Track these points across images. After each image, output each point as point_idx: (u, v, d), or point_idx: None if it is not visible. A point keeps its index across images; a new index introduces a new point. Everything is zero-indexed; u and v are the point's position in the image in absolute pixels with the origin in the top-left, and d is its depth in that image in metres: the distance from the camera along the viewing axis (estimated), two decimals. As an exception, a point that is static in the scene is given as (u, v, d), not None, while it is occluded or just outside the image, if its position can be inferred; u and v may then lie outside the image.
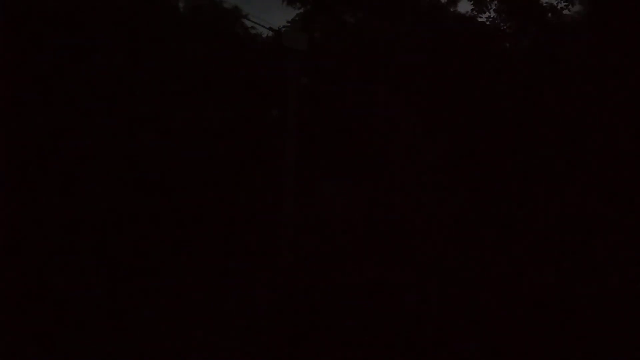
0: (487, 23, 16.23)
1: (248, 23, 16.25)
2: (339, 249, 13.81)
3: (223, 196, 14.42)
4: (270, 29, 15.05)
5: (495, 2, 16.14)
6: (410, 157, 14.62)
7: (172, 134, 14.14)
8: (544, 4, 16.03)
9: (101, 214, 12.94)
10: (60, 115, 12.88)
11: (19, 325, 10.67)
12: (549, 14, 15.89)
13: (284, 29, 15.62)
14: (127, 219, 13.14)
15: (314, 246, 13.87)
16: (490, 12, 16.24)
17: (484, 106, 14.64)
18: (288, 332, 11.54)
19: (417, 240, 13.51)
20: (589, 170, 13.26)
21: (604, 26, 14.37)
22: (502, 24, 16.12)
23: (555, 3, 15.97)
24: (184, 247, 13.51)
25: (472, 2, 16.24)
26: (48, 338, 10.60)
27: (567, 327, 11.14)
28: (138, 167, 13.56)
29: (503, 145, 14.32)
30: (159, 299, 12.15)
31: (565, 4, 15.83)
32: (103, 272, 12.32)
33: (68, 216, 12.57)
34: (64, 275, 11.89)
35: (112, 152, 13.35)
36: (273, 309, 12.22)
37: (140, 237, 13.07)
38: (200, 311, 12.03)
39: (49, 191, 12.44)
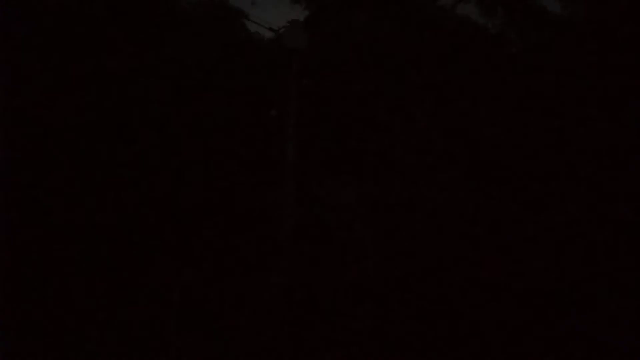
0: (490, 26, 16.23)
1: (248, 24, 16.29)
2: (341, 247, 13.81)
3: (223, 196, 14.42)
4: (270, 29, 15.06)
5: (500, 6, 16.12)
6: (415, 156, 14.63)
7: (171, 133, 14.15)
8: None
9: (100, 213, 12.94)
10: (59, 115, 12.89)
11: (20, 325, 10.68)
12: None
13: (283, 29, 15.62)
14: (127, 219, 13.14)
15: (315, 244, 13.87)
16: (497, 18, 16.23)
17: (486, 107, 14.65)
18: (289, 332, 11.53)
19: (422, 238, 13.51)
20: (590, 171, 13.27)
21: (601, 27, 14.41)
22: (505, 27, 16.11)
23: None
24: (184, 247, 13.51)
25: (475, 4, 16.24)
26: (48, 338, 10.62)
27: (568, 327, 11.15)
28: (138, 167, 13.57)
29: (508, 145, 14.32)
30: (159, 299, 12.15)
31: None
32: (102, 273, 12.33)
33: (68, 216, 12.57)
34: (64, 276, 11.90)
35: (112, 152, 13.35)
36: (274, 309, 12.21)
37: (139, 236, 13.07)
38: (201, 311, 12.04)
39: (49, 190, 12.44)
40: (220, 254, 13.59)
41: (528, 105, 14.58)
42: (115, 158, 13.31)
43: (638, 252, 12.20)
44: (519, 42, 16.00)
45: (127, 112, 13.65)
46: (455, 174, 14.23)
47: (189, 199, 13.96)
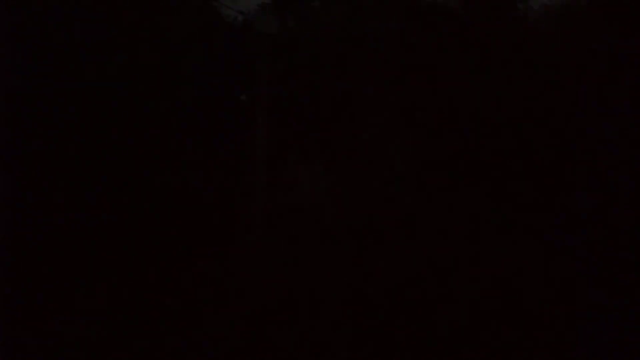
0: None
1: (218, 6, 16.09)
2: (314, 237, 13.69)
3: (191, 185, 14.19)
4: (240, 12, 14.91)
5: None
6: (382, 150, 14.57)
7: (132, 117, 13.84)
8: None
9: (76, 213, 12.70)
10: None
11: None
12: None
13: (254, 12, 15.50)
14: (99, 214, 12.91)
15: (288, 235, 13.74)
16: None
17: (472, 104, 14.60)
18: (260, 332, 11.35)
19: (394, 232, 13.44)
20: (587, 170, 13.28)
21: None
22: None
23: None
24: (151, 239, 13.25)
25: None
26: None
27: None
28: (100, 151, 13.27)
29: (496, 145, 14.28)
30: (131, 297, 11.93)
31: None
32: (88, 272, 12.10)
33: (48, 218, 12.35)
34: (54, 277, 11.69)
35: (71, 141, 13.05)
36: (246, 306, 12.03)
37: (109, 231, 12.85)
38: (173, 309, 11.81)
39: (42, 190, 12.24)
40: (189, 245, 13.36)
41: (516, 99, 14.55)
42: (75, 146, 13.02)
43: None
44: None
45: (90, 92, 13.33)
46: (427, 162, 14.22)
47: (148, 188, 13.69)
